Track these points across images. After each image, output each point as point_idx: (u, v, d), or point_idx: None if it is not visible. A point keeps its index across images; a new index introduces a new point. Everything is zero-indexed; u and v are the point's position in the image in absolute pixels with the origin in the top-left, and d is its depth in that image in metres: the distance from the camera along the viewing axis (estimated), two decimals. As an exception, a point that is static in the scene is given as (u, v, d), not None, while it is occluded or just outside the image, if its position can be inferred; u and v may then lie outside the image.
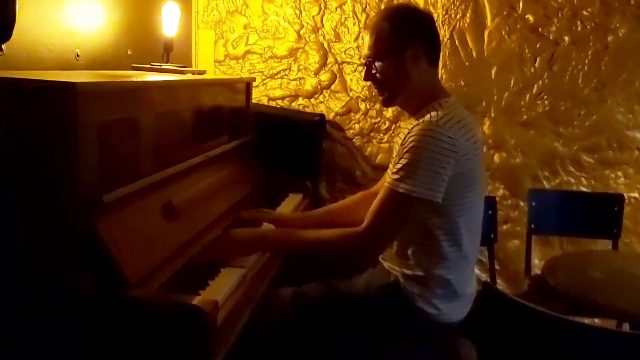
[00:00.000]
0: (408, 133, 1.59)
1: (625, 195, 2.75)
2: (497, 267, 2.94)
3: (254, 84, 3.01)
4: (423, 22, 1.72)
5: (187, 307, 1.28)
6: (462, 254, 1.67)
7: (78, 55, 1.98)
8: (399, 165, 1.56)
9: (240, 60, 3.07)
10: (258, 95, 3.05)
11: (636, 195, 2.81)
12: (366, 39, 1.72)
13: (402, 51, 1.66)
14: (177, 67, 2.20)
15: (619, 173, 2.81)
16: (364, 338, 1.72)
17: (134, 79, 1.67)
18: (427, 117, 1.59)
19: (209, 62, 3.05)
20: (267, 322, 1.71)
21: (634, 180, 2.80)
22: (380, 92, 1.75)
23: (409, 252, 1.68)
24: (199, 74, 2.28)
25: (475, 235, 1.74)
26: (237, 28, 3.05)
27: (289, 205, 2.40)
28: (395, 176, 1.56)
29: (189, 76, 2.16)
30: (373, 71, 1.71)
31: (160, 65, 2.19)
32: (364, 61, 1.74)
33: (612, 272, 2.03)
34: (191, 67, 2.92)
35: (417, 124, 1.58)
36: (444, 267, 1.66)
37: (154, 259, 1.47)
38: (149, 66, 2.18)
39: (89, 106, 1.28)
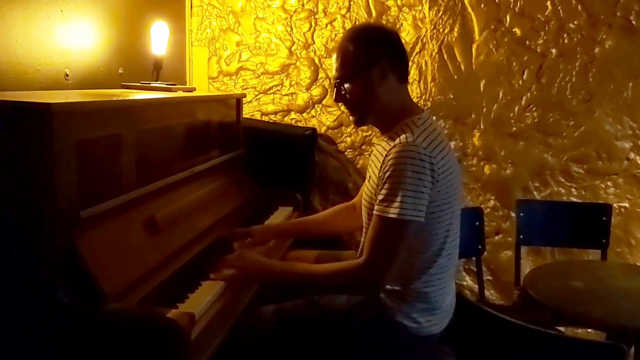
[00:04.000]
0: (386, 155, 1.60)
1: (616, 205, 2.77)
2: (489, 277, 2.96)
3: (247, 99, 3.07)
4: (387, 40, 1.72)
5: (161, 320, 1.31)
6: (440, 268, 1.68)
7: (67, 75, 2.04)
8: (384, 191, 1.57)
9: (234, 77, 3.13)
10: (251, 111, 3.10)
11: (626, 205, 2.82)
12: (333, 62, 1.74)
13: (368, 70, 1.67)
14: (166, 84, 2.25)
15: (609, 183, 2.82)
16: (346, 353, 1.73)
17: (115, 98, 1.71)
18: (402, 137, 1.60)
19: (202, 79, 3.11)
20: (249, 338, 1.72)
21: (623, 190, 2.81)
22: (351, 112, 1.77)
23: None
24: (188, 91, 2.33)
25: (454, 249, 1.74)
26: (230, 45, 3.11)
27: (278, 218, 2.43)
28: (384, 203, 1.56)
29: (178, 93, 2.21)
30: (342, 92, 1.72)
31: (150, 84, 2.24)
32: (333, 83, 1.75)
33: (593, 282, 2.04)
34: (185, 84, 2.98)
35: (394, 146, 1.58)
36: (423, 282, 1.67)
37: (134, 272, 1.51)
38: (138, 84, 2.23)
39: (66, 126, 1.33)
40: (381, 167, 1.61)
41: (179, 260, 1.73)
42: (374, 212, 1.60)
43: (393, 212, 1.54)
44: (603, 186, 2.83)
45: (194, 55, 3.12)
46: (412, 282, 1.67)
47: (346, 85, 1.71)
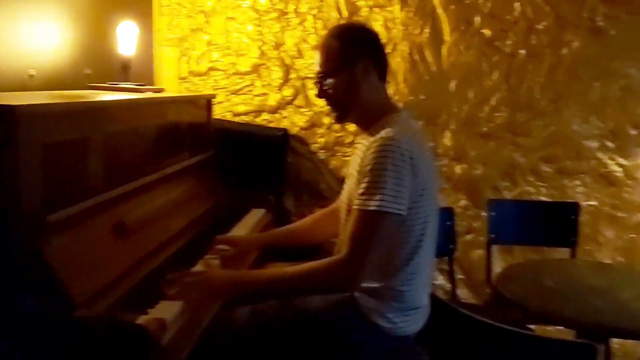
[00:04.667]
0: (367, 150, 1.61)
1: (584, 203, 2.81)
2: (461, 276, 2.98)
3: (218, 100, 3.03)
4: (370, 38, 1.77)
5: (131, 327, 1.29)
6: (417, 266, 1.69)
7: (32, 76, 1.98)
8: (364, 185, 1.57)
9: (204, 77, 3.09)
10: (222, 111, 3.07)
11: (594, 203, 2.87)
12: (317, 57, 1.76)
13: (352, 66, 1.69)
14: (135, 85, 2.21)
15: (577, 182, 2.87)
16: (321, 354, 1.71)
17: (82, 100, 1.67)
18: (383, 132, 1.62)
19: (172, 80, 3.07)
20: (223, 341, 1.69)
21: (592, 189, 2.86)
22: (333, 108, 1.78)
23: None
24: (157, 92, 2.29)
25: (430, 247, 1.75)
26: (200, 45, 3.07)
27: (251, 220, 2.41)
28: (364, 196, 1.57)
29: (147, 94, 2.17)
30: (325, 88, 1.74)
31: (117, 84, 2.20)
32: (316, 79, 1.77)
33: (564, 281, 2.07)
34: (154, 85, 2.93)
35: (375, 140, 1.60)
36: (399, 279, 1.68)
37: (103, 278, 1.47)
38: (106, 85, 2.19)
39: (31, 128, 1.29)
40: (362, 162, 1.62)
41: (150, 264, 1.70)
42: (354, 206, 1.60)
43: (373, 204, 1.54)
44: (571, 185, 2.87)
45: (163, 55, 3.08)
46: (388, 280, 1.67)
47: (329, 81, 1.72)
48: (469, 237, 2.97)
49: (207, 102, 2.59)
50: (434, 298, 1.72)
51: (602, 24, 2.74)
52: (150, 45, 3.01)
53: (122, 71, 2.33)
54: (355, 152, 1.80)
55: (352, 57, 1.70)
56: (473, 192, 2.95)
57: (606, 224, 2.88)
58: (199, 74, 3.10)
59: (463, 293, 2.98)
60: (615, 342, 2.63)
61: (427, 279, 1.78)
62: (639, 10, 2.70)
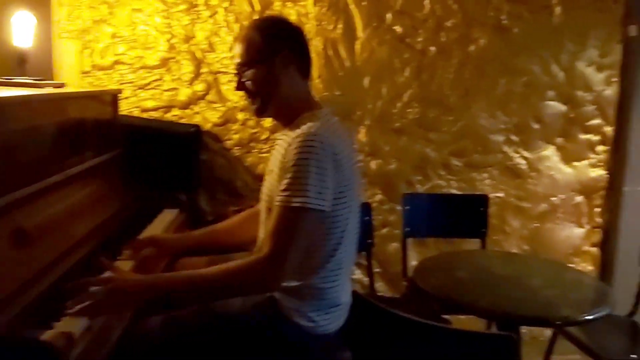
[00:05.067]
0: (289, 145, 1.58)
1: (491, 195, 2.93)
2: (378, 270, 3.02)
3: (125, 95, 2.88)
4: (293, 32, 1.75)
5: (34, 343, 1.20)
6: (339, 262, 1.68)
7: None
8: (286, 181, 1.54)
9: (109, 71, 2.93)
10: (129, 107, 2.92)
11: (501, 195, 2.99)
12: (237, 49, 1.73)
13: (272, 57, 1.67)
14: (32, 80, 2.06)
15: (485, 175, 2.99)
16: (242, 358, 1.68)
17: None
18: (305, 127, 1.59)
19: (74, 74, 2.89)
20: (137, 353, 1.60)
21: (498, 181, 2.99)
22: (252, 101, 1.74)
23: None
24: (57, 87, 2.14)
25: (351, 244, 1.75)
26: (104, 38, 2.90)
27: (163, 221, 2.31)
28: (286, 192, 1.53)
29: (46, 90, 2.03)
30: (244, 80, 1.71)
31: (13, 79, 2.03)
32: (235, 71, 1.74)
33: (477, 271, 2.14)
34: (54, 79, 2.75)
35: (297, 136, 1.57)
36: (320, 277, 1.66)
37: (1, 290, 1.36)
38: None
39: None
40: (283, 158, 1.59)
41: (54, 273, 1.58)
42: (276, 203, 1.56)
43: (297, 201, 1.51)
44: (480, 178, 2.99)
45: (64, 48, 2.89)
46: (309, 278, 1.65)
47: (249, 72, 1.70)
48: (384, 230, 3.01)
49: (112, 98, 2.46)
50: (354, 293, 1.72)
51: (506, 22, 2.85)
52: (49, 37, 2.81)
53: (18, 65, 2.17)
54: (275, 147, 1.76)
55: (272, 48, 1.68)
56: (388, 187, 2.99)
57: (512, 215, 3.02)
58: (103, 68, 2.93)
59: (380, 286, 3.03)
60: (524, 327, 2.75)
61: (348, 275, 1.78)
62: (540, 9, 2.85)
